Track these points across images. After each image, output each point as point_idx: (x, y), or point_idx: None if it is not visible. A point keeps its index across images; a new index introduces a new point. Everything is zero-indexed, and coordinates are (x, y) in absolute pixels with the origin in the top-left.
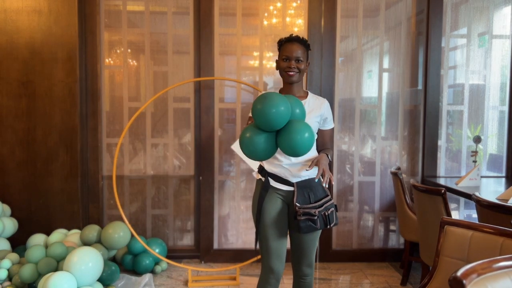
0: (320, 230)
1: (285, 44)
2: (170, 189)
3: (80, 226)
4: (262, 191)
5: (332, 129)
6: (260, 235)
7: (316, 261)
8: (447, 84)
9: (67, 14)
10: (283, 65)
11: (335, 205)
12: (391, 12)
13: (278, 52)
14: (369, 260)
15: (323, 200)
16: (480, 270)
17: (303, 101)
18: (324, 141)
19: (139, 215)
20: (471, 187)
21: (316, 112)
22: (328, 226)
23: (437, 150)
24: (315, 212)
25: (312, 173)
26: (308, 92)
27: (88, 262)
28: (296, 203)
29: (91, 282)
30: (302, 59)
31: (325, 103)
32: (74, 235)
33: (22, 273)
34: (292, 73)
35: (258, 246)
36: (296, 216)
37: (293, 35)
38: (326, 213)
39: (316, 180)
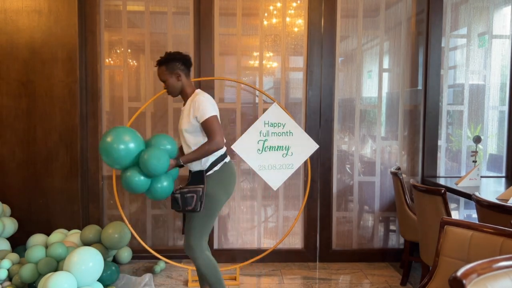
0: (198, 215)
1: None
2: None
3: (80, 226)
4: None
5: (206, 120)
6: (209, 219)
7: (316, 261)
8: (447, 84)
9: (67, 14)
10: None
11: (201, 195)
12: (391, 12)
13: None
14: (369, 260)
15: (191, 186)
16: (480, 270)
17: (184, 106)
18: (205, 133)
19: (139, 215)
20: (471, 187)
21: (186, 114)
22: (185, 208)
23: (437, 150)
24: (176, 191)
25: (195, 166)
26: (196, 91)
27: (88, 262)
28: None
29: (91, 282)
30: (164, 78)
31: (193, 102)
32: (74, 235)
33: (22, 273)
34: (168, 93)
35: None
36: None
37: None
38: (185, 196)
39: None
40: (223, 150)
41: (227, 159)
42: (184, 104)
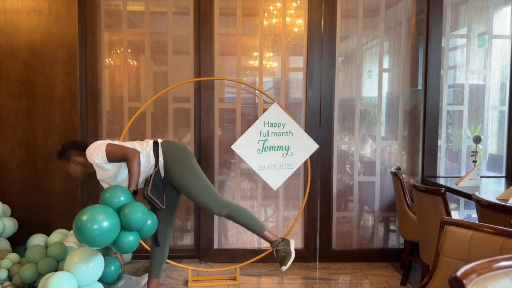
0: (191, 188)
1: None
2: None
3: None
4: None
5: (107, 154)
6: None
7: (316, 261)
8: (447, 84)
9: (67, 14)
10: None
11: (151, 198)
12: (391, 12)
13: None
14: (369, 260)
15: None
16: (480, 270)
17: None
18: (121, 160)
19: None
20: (471, 187)
21: (98, 170)
22: (160, 206)
23: (437, 150)
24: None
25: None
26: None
27: (89, 262)
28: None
29: (91, 282)
30: (66, 168)
31: (89, 157)
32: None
33: (22, 273)
34: (77, 178)
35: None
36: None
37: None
38: (151, 202)
39: None
40: (150, 143)
41: (160, 140)
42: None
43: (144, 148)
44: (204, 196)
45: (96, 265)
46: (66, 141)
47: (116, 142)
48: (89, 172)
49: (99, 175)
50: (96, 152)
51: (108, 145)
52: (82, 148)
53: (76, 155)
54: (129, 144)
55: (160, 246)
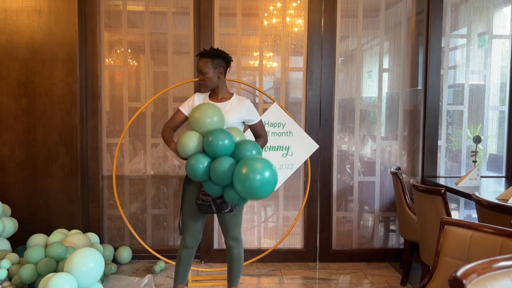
0: (239, 211)
1: (197, 59)
2: (170, 189)
3: (80, 226)
4: (186, 181)
5: (260, 121)
6: (183, 216)
7: (316, 261)
8: (447, 84)
9: (67, 14)
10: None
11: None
12: (391, 12)
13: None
14: (369, 260)
15: None
16: (480, 270)
17: (225, 102)
18: (257, 132)
19: (139, 215)
20: (471, 187)
21: (235, 114)
22: (223, 211)
23: (437, 150)
24: (207, 199)
25: None
26: (234, 94)
27: (89, 263)
28: (202, 190)
29: (91, 283)
30: (206, 70)
31: (245, 105)
32: (75, 235)
33: (21, 273)
34: (201, 84)
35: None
36: (196, 201)
37: (205, 49)
38: (218, 201)
39: None
40: None
41: None
42: (215, 100)
43: None
44: (240, 225)
45: (96, 266)
46: (66, 141)
47: None
48: (217, 92)
49: (225, 118)
50: (255, 110)
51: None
52: (226, 69)
53: (223, 70)
54: None
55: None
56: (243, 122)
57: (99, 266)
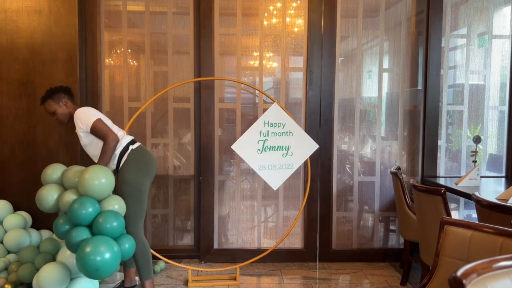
0: (128, 205)
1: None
2: (170, 189)
3: None
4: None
5: (93, 126)
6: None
7: (316, 261)
8: (447, 84)
9: (67, 14)
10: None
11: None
12: (391, 12)
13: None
14: (369, 260)
15: None
16: (480, 270)
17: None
18: (96, 137)
19: None
20: (471, 187)
21: (78, 133)
22: None
23: (437, 150)
24: None
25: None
26: (75, 111)
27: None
28: None
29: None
30: (53, 110)
31: (75, 118)
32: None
33: (20, 272)
34: (59, 123)
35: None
36: None
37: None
38: None
39: None
40: (125, 141)
41: (135, 145)
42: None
43: (120, 143)
44: (131, 219)
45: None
46: (66, 141)
47: (104, 119)
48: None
49: (81, 141)
50: (84, 118)
51: (98, 120)
52: (71, 95)
53: (67, 99)
54: (114, 129)
55: None
56: (86, 134)
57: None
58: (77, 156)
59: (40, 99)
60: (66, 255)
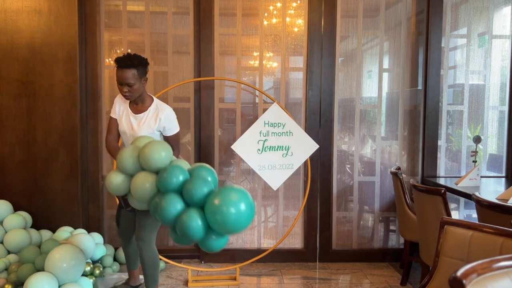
0: (146, 217)
1: (117, 70)
2: None
3: (80, 226)
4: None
5: (176, 134)
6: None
7: (316, 261)
8: (447, 84)
9: (67, 14)
10: (119, 88)
11: None
12: (391, 12)
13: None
14: (369, 260)
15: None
16: (480, 270)
17: (142, 114)
18: (172, 146)
19: None
20: (471, 187)
21: (150, 125)
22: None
23: (437, 150)
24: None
25: None
26: (154, 100)
27: (69, 260)
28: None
29: (73, 279)
30: (133, 82)
31: (163, 113)
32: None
33: (20, 272)
34: (127, 96)
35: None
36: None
37: (124, 57)
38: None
39: None
40: None
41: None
42: (133, 108)
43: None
44: (151, 226)
45: (77, 263)
46: (66, 141)
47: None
48: (139, 100)
49: (136, 128)
50: (175, 121)
51: (179, 133)
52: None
53: (146, 77)
54: None
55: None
56: (161, 132)
57: (80, 263)
58: (77, 157)
59: (123, 61)
60: (53, 260)
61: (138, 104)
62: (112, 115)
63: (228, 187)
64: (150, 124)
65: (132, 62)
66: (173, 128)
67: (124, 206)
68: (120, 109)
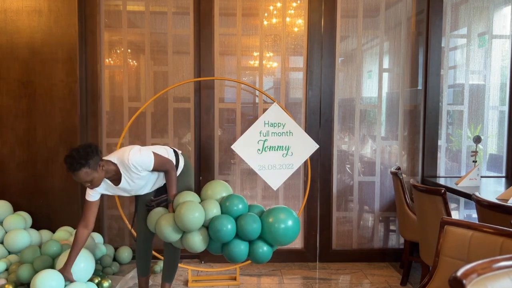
0: None
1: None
2: None
3: None
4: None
5: (155, 163)
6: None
7: (316, 261)
8: (447, 84)
9: (67, 14)
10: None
11: (166, 202)
12: (391, 12)
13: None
14: (369, 260)
15: (162, 196)
16: (480, 270)
17: (122, 180)
18: (160, 171)
19: None
20: (471, 187)
21: (136, 180)
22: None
23: (437, 150)
24: (151, 204)
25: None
26: (117, 163)
27: (79, 262)
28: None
29: (82, 280)
30: (90, 178)
31: (130, 167)
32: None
33: (19, 273)
34: (92, 188)
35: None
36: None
37: (69, 159)
38: (161, 205)
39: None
40: (171, 155)
41: (180, 155)
42: (116, 180)
43: (169, 156)
44: None
45: (87, 265)
46: (66, 141)
47: (147, 149)
48: (109, 175)
49: (135, 185)
50: (142, 162)
51: (155, 155)
52: (100, 152)
53: (105, 161)
54: (157, 151)
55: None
56: (148, 171)
57: (90, 265)
58: None
59: (70, 166)
60: (63, 262)
61: (112, 179)
62: (89, 198)
63: (278, 208)
64: (135, 179)
65: (79, 163)
66: (147, 163)
67: (149, 206)
68: (102, 188)
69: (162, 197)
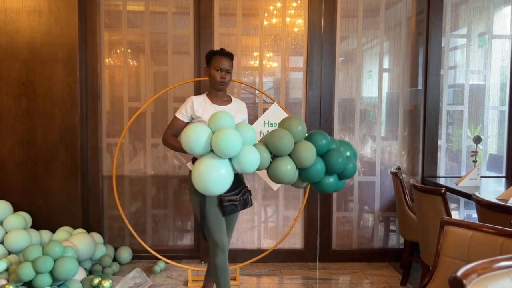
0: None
1: (216, 57)
2: (170, 189)
3: (80, 226)
4: (200, 194)
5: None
6: (207, 221)
7: (316, 261)
8: (447, 84)
9: (67, 14)
10: (214, 75)
11: (249, 190)
12: (391, 12)
13: (211, 61)
14: (369, 260)
15: (239, 188)
16: (480, 270)
17: (229, 105)
18: None
19: (139, 215)
20: (471, 187)
21: (241, 114)
22: (246, 207)
23: (437, 150)
24: (237, 198)
25: None
26: (230, 95)
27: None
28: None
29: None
30: (231, 70)
31: (244, 107)
32: (78, 235)
33: (20, 272)
34: (223, 83)
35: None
36: (222, 203)
37: (224, 50)
38: (243, 198)
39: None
40: None
41: None
42: (217, 102)
43: None
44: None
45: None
46: (66, 141)
47: None
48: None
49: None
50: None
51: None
52: None
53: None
54: None
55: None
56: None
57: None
58: (77, 156)
59: (225, 51)
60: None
61: (222, 98)
62: (179, 116)
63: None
64: (240, 114)
65: (231, 54)
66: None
67: (244, 206)
68: (199, 106)
69: (238, 190)
